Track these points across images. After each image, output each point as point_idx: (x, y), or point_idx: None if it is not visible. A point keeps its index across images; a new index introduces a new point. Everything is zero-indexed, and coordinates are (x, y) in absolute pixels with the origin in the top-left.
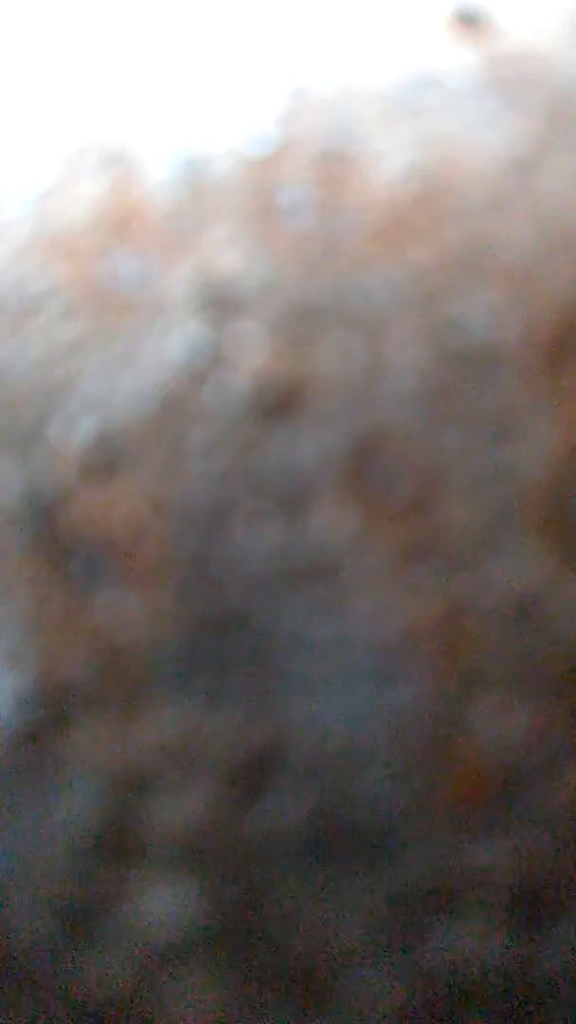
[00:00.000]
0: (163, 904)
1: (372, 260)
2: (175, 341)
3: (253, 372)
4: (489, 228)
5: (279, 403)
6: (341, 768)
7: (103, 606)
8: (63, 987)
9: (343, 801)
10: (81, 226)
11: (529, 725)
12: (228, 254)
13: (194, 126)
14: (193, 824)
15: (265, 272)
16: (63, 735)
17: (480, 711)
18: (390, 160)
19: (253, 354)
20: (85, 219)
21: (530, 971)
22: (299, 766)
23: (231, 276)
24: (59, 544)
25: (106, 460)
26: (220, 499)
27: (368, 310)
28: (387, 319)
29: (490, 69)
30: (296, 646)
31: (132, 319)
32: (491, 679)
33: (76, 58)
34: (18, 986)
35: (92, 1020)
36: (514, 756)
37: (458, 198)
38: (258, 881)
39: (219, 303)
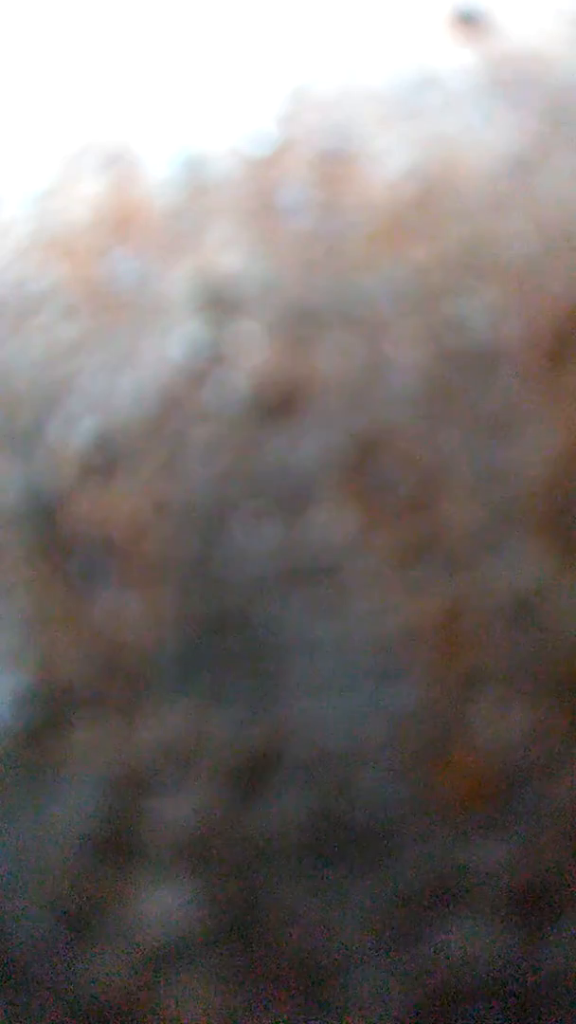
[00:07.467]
0: (163, 904)
1: (372, 260)
2: (175, 341)
3: (253, 372)
4: (489, 228)
5: (279, 403)
6: (341, 768)
7: (103, 606)
8: (63, 987)
9: (343, 801)
10: (81, 226)
11: (529, 725)
12: (228, 254)
13: (194, 126)
14: (193, 824)
15: (265, 272)
16: (63, 735)
17: (480, 711)
18: (390, 160)
19: (253, 354)
20: (85, 219)
21: (530, 970)
22: (299, 766)
23: (231, 276)
24: (59, 544)
25: (106, 460)
26: (220, 499)
27: (368, 310)
28: (387, 319)
29: (490, 69)
30: (296, 646)
31: (132, 319)
32: (491, 679)
33: (76, 58)
34: (18, 986)
35: (92, 1020)
36: (514, 756)
37: (458, 198)
38: (258, 881)
39: (219, 303)
